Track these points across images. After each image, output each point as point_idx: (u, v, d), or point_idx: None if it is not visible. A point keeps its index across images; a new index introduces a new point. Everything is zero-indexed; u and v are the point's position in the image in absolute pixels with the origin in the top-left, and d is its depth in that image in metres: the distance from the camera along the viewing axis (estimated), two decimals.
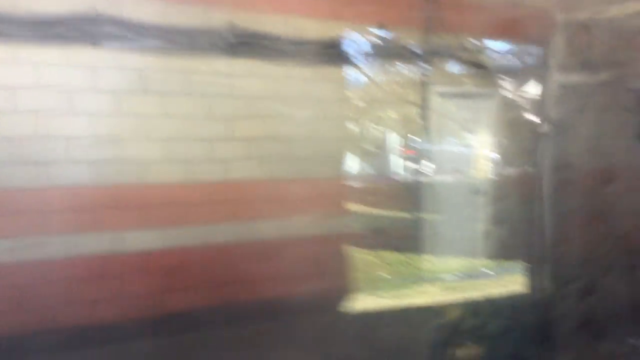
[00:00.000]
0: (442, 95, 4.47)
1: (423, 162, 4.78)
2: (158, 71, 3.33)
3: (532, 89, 3.99)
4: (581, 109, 3.74)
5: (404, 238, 5.10)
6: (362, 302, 4.12)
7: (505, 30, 3.89)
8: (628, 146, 3.60)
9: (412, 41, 3.98)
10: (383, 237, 5.15)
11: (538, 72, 3.88)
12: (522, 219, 4.19)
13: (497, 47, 4.12)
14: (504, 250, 4.73)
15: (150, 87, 3.37)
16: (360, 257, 4.57)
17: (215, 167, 3.55)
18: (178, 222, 3.44)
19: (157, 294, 3.39)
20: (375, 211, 5.13)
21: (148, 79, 3.34)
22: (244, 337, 3.32)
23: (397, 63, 4.21)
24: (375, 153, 5.38)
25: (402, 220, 5.16)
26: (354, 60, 3.88)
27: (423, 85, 4.24)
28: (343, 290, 4.08)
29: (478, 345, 3.43)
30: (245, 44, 3.40)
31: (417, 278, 4.88)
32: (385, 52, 3.94)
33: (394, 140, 5.57)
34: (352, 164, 4.50)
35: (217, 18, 3.39)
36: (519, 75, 4.12)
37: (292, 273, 3.66)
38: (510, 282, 4.50)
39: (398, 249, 5.16)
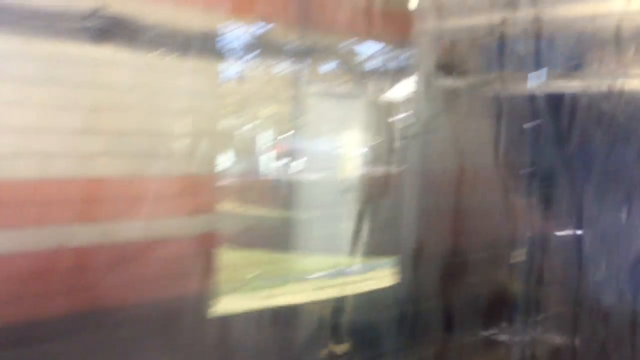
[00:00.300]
0: (316, 94, 4.51)
1: (295, 160, 4.79)
2: (12, 56, 3.01)
3: (401, 91, 4.15)
4: (444, 112, 3.94)
5: (274, 237, 5.10)
6: (230, 304, 4.05)
7: (376, 31, 4.01)
8: (486, 149, 3.86)
9: (288, 38, 3.97)
10: (252, 237, 5.10)
11: (406, 74, 4.04)
12: (389, 216, 4.36)
13: (367, 49, 4.24)
14: (372, 247, 4.89)
15: (3, 74, 3.03)
16: (229, 258, 4.49)
17: (75, 163, 3.30)
18: (31, 222, 3.14)
19: (2, 303, 3.07)
20: (245, 210, 5.06)
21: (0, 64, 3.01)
22: (99, 346, 3.09)
23: (273, 59, 4.17)
24: (248, 150, 5.31)
25: (272, 219, 5.15)
26: (229, 54, 3.78)
27: (297, 83, 4.25)
28: (209, 292, 3.99)
29: (346, 342, 3.51)
30: (113, 31, 3.15)
31: (287, 277, 4.90)
32: (260, 48, 3.89)
33: (266, 137, 5.53)
34: (223, 161, 4.40)
35: (82, 1, 3.12)
36: (389, 77, 4.26)
37: (156, 276, 3.50)
38: (378, 278, 4.67)
39: (267, 248, 5.14)
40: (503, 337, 3.30)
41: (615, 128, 2.79)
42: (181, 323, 3.32)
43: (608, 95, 2.73)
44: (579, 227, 3.08)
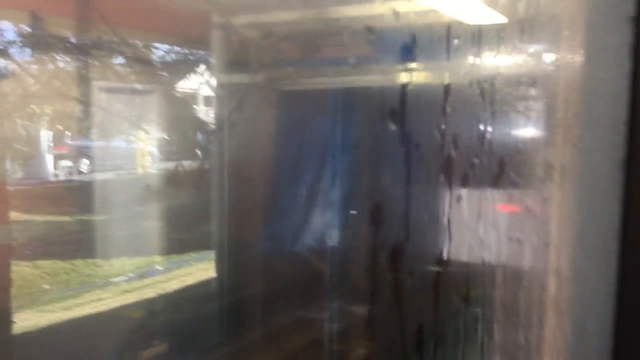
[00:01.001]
0: (105, 90, 4.29)
1: (86, 160, 4.51)
2: None
3: (197, 86, 4.15)
4: (239, 107, 4.04)
5: (67, 244, 4.76)
6: (25, 320, 3.71)
7: (168, 27, 3.94)
8: (278, 143, 4.05)
9: (71, 33, 3.71)
10: (41, 245, 4.71)
11: (201, 70, 4.05)
12: (197, 210, 4.35)
13: (161, 44, 4.15)
14: (178, 245, 4.83)
15: None
16: (16, 270, 4.10)
17: None
18: None
19: None
20: (30, 217, 4.64)
21: None
22: None
23: (55, 55, 3.86)
24: (29, 153, 4.85)
25: (62, 225, 4.80)
26: (4, 50, 3.41)
27: (83, 80, 3.99)
28: (3, 308, 3.60)
29: (163, 343, 3.45)
30: None
31: (87, 285, 4.62)
32: (40, 43, 3.57)
33: (51, 138, 5.10)
34: (6, 166, 3.98)
35: None
36: (184, 72, 4.23)
37: None
38: (189, 274, 4.63)
39: (60, 256, 4.79)
40: (316, 315, 3.55)
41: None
42: None
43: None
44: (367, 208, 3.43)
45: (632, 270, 0.51)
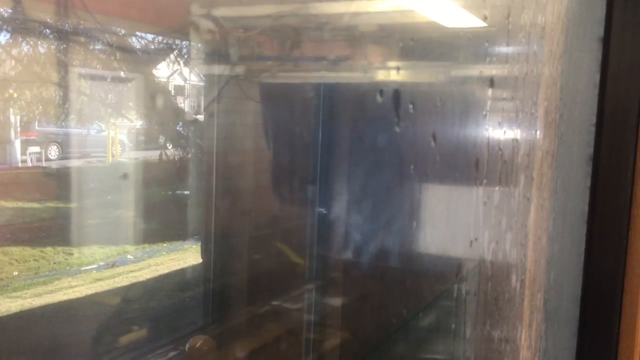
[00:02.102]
0: (85, 76, 4.28)
1: (62, 147, 4.49)
2: None
3: (178, 77, 4.18)
4: (218, 98, 4.09)
5: (37, 230, 4.74)
6: None
7: (149, 16, 3.96)
8: (257, 134, 4.11)
9: (51, 18, 3.69)
10: (9, 232, 4.67)
11: (182, 61, 4.08)
12: (170, 200, 4.38)
13: (142, 33, 4.16)
14: (154, 232, 4.84)
15: None
16: None
17: None
18: None
19: None
20: (6, 203, 4.60)
21: None
22: None
23: (33, 40, 3.83)
24: (4, 138, 4.79)
25: (34, 211, 4.76)
26: None
27: (62, 65, 3.98)
28: None
29: (140, 328, 3.49)
30: None
31: (58, 272, 4.61)
32: (18, 28, 3.55)
33: (26, 122, 5.05)
34: None
35: None
36: (164, 62, 4.25)
37: None
38: (164, 262, 4.66)
39: (29, 243, 4.76)
40: (293, 305, 3.64)
41: (374, 115, 3.24)
42: None
43: (368, 85, 3.15)
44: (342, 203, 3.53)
45: (597, 247, 0.61)
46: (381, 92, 2.92)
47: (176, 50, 4.27)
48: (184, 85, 4.42)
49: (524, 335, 0.62)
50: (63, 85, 4.12)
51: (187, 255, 4.62)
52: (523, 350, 0.62)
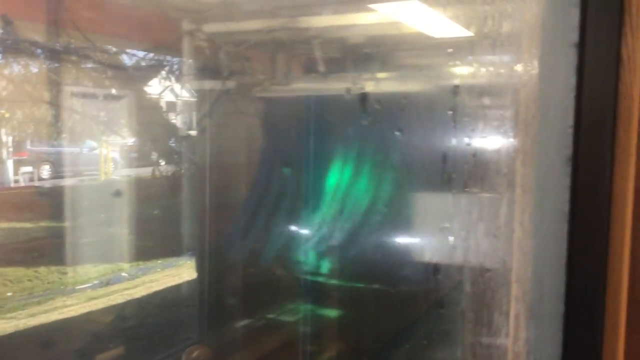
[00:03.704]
0: (77, 95, 4.29)
1: (54, 165, 4.49)
2: None
3: (170, 93, 4.20)
4: (210, 114, 4.11)
5: (31, 250, 4.72)
6: None
7: (139, 34, 3.98)
8: (249, 148, 4.13)
9: (41, 37, 3.71)
10: (2, 252, 4.66)
11: (173, 77, 4.10)
12: (163, 216, 4.38)
13: (133, 50, 4.18)
14: (148, 249, 4.84)
15: None
16: None
17: None
18: None
19: None
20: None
21: None
22: None
23: (24, 59, 3.85)
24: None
25: (27, 231, 4.75)
26: None
27: (54, 84, 4.00)
28: None
29: (127, 346, 3.48)
30: None
31: (52, 292, 4.59)
32: (9, 48, 3.57)
33: (18, 142, 5.05)
34: None
35: None
36: (155, 78, 4.27)
37: None
38: (159, 279, 4.65)
39: (23, 263, 4.74)
40: (286, 317, 3.64)
41: (355, 125, 3.27)
42: None
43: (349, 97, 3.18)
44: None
45: (579, 246, 0.63)
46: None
47: (167, 67, 4.29)
48: (176, 102, 4.44)
49: (510, 332, 0.63)
50: (55, 104, 4.13)
51: (182, 271, 4.61)
52: (510, 346, 0.64)
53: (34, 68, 4.08)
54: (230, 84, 4.08)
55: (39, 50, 3.88)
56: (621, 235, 0.63)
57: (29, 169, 5.20)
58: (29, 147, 5.24)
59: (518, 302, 0.69)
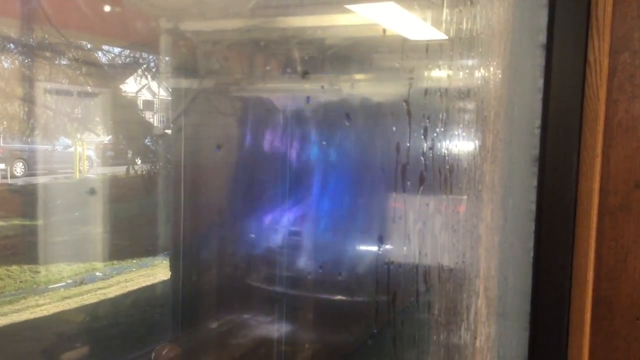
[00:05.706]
0: (51, 91, 4.23)
1: (28, 163, 4.42)
2: None
3: (147, 91, 4.16)
4: (186, 112, 4.08)
5: (3, 249, 4.65)
6: None
7: (116, 31, 3.94)
8: (227, 147, 4.12)
9: (15, 33, 3.65)
10: None
11: (150, 75, 4.07)
12: (138, 215, 4.34)
13: (109, 47, 4.14)
14: (123, 248, 4.79)
15: None
16: None
17: None
18: None
19: None
20: None
21: None
22: None
23: None
24: None
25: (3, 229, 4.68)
26: None
27: (27, 80, 3.94)
28: None
29: (99, 346, 3.45)
30: None
31: (23, 291, 4.52)
32: None
33: None
34: None
35: None
36: (131, 76, 4.23)
37: None
38: (134, 278, 4.61)
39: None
40: (262, 317, 3.63)
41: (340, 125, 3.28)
42: None
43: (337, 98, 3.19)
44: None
45: (545, 245, 0.64)
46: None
47: (144, 65, 4.26)
48: (153, 100, 4.40)
49: (477, 330, 0.64)
50: (28, 100, 4.07)
51: (157, 271, 4.57)
52: (476, 344, 0.65)
53: (7, 63, 4.02)
54: (208, 82, 4.06)
55: (11, 45, 3.82)
56: (587, 234, 0.64)
57: (2, 166, 5.12)
58: (1, 144, 5.16)
59: (481, 299, 0.69)
